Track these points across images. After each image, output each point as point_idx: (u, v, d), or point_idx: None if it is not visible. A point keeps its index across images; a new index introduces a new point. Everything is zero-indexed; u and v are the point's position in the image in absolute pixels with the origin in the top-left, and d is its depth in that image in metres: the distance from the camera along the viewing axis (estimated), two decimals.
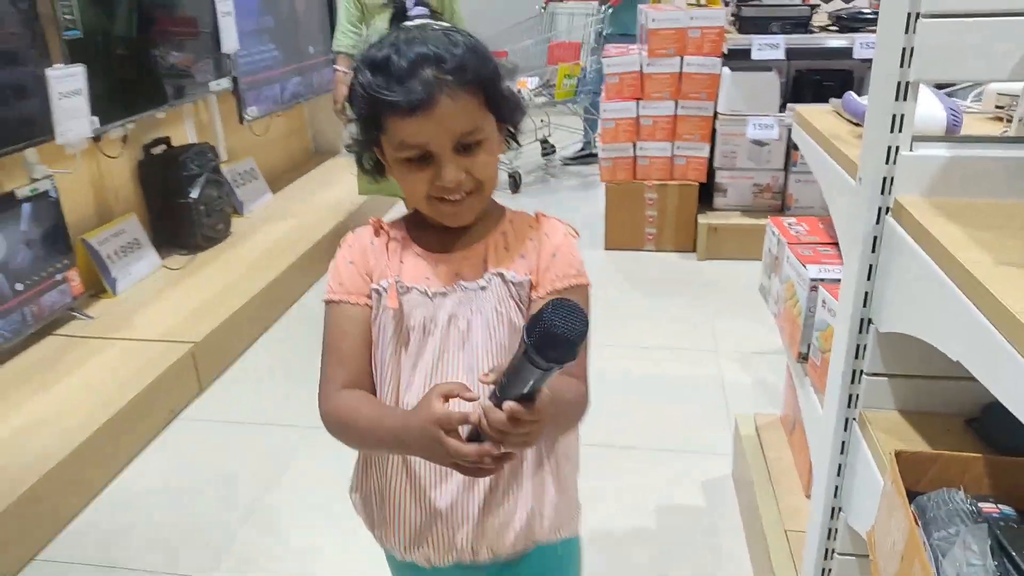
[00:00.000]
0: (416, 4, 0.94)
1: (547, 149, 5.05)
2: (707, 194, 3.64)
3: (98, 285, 2.89)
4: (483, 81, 0.88)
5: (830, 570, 1.33)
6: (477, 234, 0.97)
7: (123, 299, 2.90)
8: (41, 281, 2.59)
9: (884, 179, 1.09)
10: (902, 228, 1.05)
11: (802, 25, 3.32)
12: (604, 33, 4.61)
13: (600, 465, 2.18)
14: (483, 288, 0.94)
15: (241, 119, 3.75)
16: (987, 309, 0.80)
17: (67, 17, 2.50)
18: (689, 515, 1.99)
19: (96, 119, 2.66)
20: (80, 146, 2.81)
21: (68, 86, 2.49)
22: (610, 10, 4.59)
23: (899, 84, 1.04)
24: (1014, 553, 0.77)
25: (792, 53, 3.28)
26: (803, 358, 1.51)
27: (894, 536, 0.84)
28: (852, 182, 1.19)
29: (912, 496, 0.88)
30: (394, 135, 0.87)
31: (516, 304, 0.95)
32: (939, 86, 1.67)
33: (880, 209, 1.10)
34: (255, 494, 2.09)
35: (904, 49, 1.02)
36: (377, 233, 0.99)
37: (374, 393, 0.97)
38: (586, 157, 5.05)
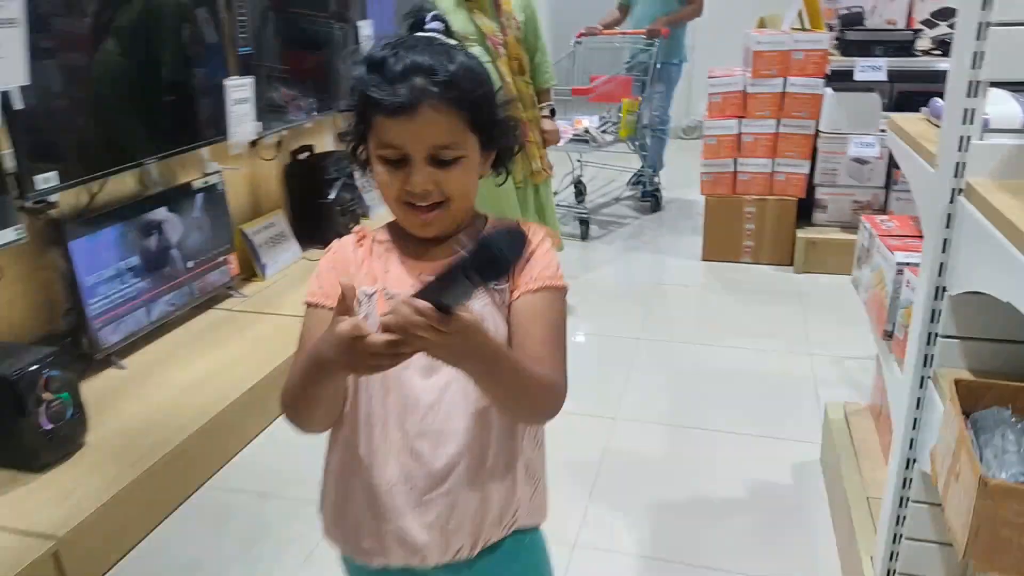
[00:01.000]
0: (432, 19, 0.96)
1: (581, 191, 4.60)
2: (805, 210, 3.78)
3: (250, 269, 3.30)
4: (470, 102, 0.90)
5: (904, 516, 1.49)
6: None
7: (271, 282, 3.30)
8: (207, 261, 3.00)
9: (957, 164, 1.27)
10: (971, 205, 1.23)
11: (905, 49, 3.43)
12: (658, 65, 4.43)
13: (697, 445, 2.38)
14: None
15: None
16: None
17: (242, 36, 2.93)
18: (777, 491, 2.16)
19: (260, 124, 3.08)
20: (242, 148, 3.23)
21: (240, 95, 2.91)
22: (658, 43, 4.37)
23: (970, 83, 1.23)
24: None
25: (894, 75, 3.40)
26: (888, 336, 1.68)
27: (949, 442, 1.02)
28: (931, 170, 1.37)
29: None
30: (377, 133, 0.90)
31: (496, 308, 0.94)
32: None
33: (953, 190, 1.28)
34: None
35: (975, 53, 1.22)
36: (360, 242, 1.01)
37: (345, 398, 0.98)
38: (649, 197, 4.78)
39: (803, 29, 3.82)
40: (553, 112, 3.11)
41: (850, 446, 2.01)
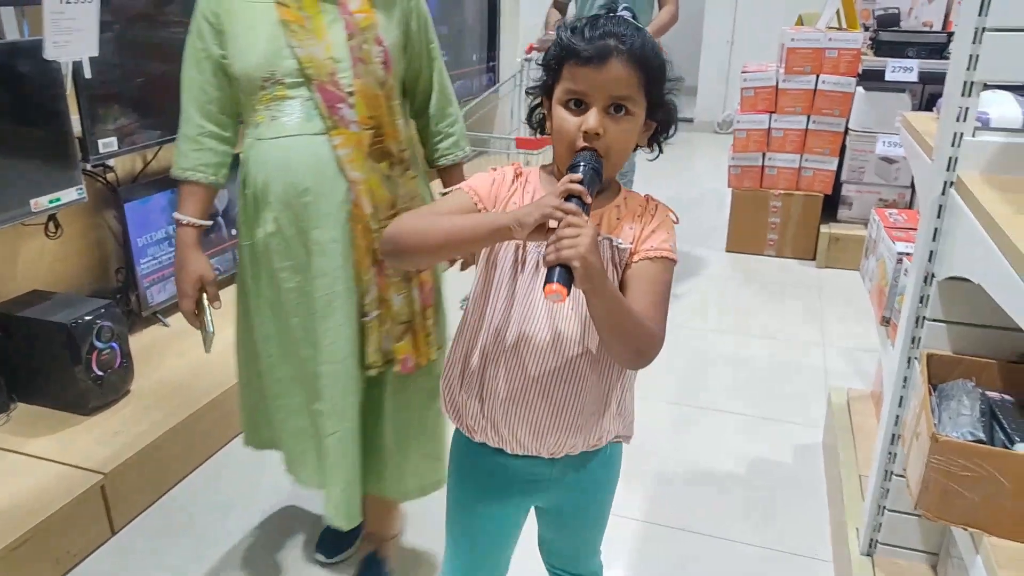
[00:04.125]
0: (623, 8, 1.13)
1: None
2: (831, 206, 3.83)
3: None
4: (647, 67, 1.05)
5: (888, 489, 1.59)
6: (596, 203, 1.09)
7: None
8: None
9: (950, 159, 1.36)
10: (959, 197, 1.32)
11: (938, 51, 3.46)
12: None
13: (703, 425, 2.49)
14: None
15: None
16: (1001, 244, 1.08)
17: None
18: (778, 470, 2.26)
19: None
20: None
21: None
22: None
23: (965, 83, 1.32)
24: (1001, 417, 1.04)
25: (926, 77, 3.44)
26: (886, 322, 1.77)
27: (915, 407, 1.12)
28: (929, 162, 1.46)
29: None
30: (567, 79, 1.06)
31: (615, 265, 1.10)
32: None
33: (945, 183, 1.37)
34: None
35: (971, 56, 1.30)
36: (516, 178, 1.16)
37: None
38: None
39: (840, 28, 3.86)
40: None
41: (849, 428, 2.10)
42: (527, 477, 1.19)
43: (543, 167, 1.17)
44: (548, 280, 0.92)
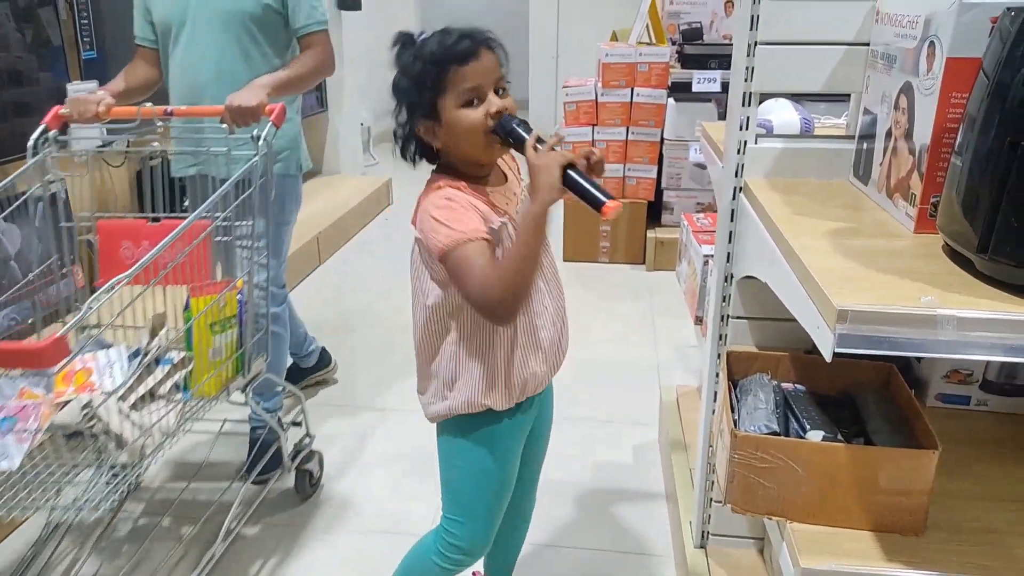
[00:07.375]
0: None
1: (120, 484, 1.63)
2: (655, 212, 4.03)
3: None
4: (503, 50, 1.23)
5: (713, 482, 1.66)
6: (499, 176, 1.32)
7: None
8: (49, 273, 2.88)
9: (737, 165, 1.44)
10: (747, 200, 1.40)
11: None
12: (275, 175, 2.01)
13: (552, 435, 2.50)
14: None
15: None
16: (778, 242, 1.15)
17: (85, 40, 2.84)
18: (619, 472, 2.32)
19: (104, 130, 2.98)
20: (87, 155, 3.12)
21: None
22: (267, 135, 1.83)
23: (744, 94, 1.41)
24: (794, 407, 1.11)
25: (728, 87, 3.69)
26: (699, 321, 1.85)
27: (719, 407, 1.17)
28: (722, 168, 1.55)
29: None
30: (457, 83, 1.17)
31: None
32: None
33: (735, 188, 1.45)
34: None
35: (747, 68, 1.39)
36: (462, 189, 1.24)
37: None
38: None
39: (649, 43, 4.07)
40: None
41: (679, 424, 2.19)
42: (530, 416, 1.40)
43: (450, 186, 1.23)
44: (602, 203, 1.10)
